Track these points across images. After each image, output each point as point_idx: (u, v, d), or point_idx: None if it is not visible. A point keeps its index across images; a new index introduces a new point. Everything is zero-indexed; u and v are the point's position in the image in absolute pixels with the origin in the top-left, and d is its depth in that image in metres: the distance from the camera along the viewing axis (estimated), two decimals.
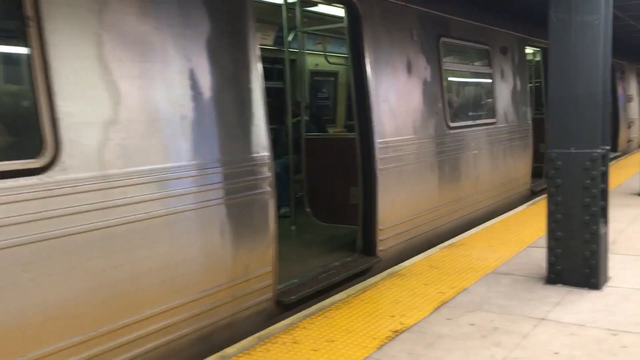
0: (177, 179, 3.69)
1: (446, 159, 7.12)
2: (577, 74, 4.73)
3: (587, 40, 4.68)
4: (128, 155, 3.40)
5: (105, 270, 3.25)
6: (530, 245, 6.35)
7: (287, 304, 4.54)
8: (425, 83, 6.72)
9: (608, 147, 4.91)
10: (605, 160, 4.92)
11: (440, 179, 7.02)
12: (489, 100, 8.59)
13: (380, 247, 5.87)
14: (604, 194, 4.98)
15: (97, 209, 3.21)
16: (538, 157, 10.34)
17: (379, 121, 5.77)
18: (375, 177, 5.70)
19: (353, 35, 5.62)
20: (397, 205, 6.09)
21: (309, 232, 6.86)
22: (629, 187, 10.17)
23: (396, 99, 6.10)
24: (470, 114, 8.40)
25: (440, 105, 6.97)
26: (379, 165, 5.75)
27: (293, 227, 7.04)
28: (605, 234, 4.99)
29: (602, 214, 5.02)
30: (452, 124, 7.23)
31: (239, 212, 4.11)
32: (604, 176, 4.94)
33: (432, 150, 6.79)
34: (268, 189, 4.33)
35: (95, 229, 3.20)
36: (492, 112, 8.56)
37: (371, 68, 5.71)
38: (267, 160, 4.29)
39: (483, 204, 8.27)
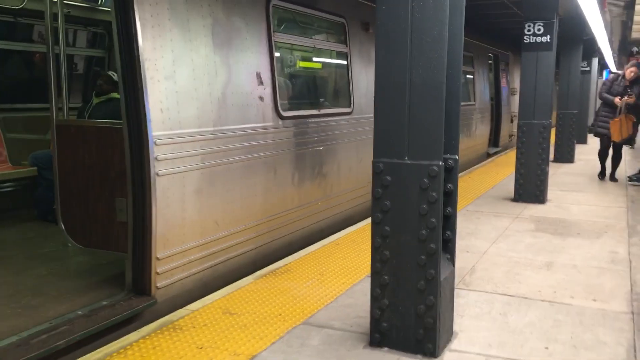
0: None
1: (276, 157, 5.54)
2: (413, 52, 3.26)
3: (428, 4, 3.21)
4: None
5: None
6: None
7: None
8: (243, 58, 5.08)
9: (456, 157, 3.51)
10: (452, 175, 3.52)
11: (267, 183, 5.44)
12: (344, 85, 7.10)
13: (159, 282, 4.20)
14: (449, 222, 3.58)
15: None
16: None
17: (158, 105, 4.06)
18: (150, 185, 4.01)
19: None
20: (190, 222, 4.44)
21: (82, 253, 5.06)
22: (503, 190, 9.14)
23: (190, 77, 4.41)
24: (315, 101, 6.86)
25: (267, 88, 5.36)
26: (158, 168, 4.06)
27: (69, 245, 5.20)
28: (449, 277, 3.60)
29: (447, 249, 3.63)
30: (285, 113, 5.65)
31: None
32: (452, 197, 3.55)
33: (253, 146, 5.18)
34: None
35: None
36: (346, 100, 7.08)
37: (146, 29, 3.98)
38: None
39: (333, 212, 6.81)
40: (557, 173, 11.15)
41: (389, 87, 3.32)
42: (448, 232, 3.61)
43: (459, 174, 11.41)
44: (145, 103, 3.94)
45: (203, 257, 4.65)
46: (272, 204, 5.53)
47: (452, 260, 3.67)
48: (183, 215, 4.35)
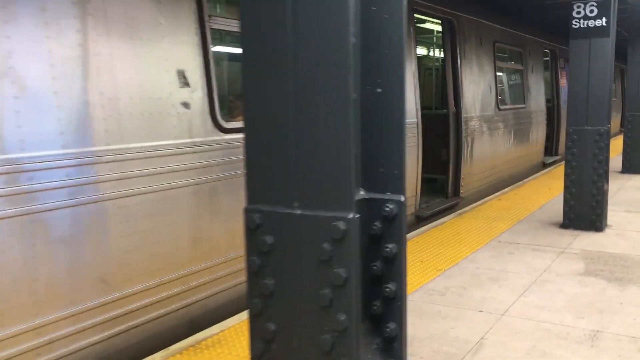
0: None
1: (215, 183, 4.13)
2: (295, 8, 1.78)
3: None
4: None
5: None
6: None
7: None
8: (153, 50, 3.70)
9: (400, 198, 1.98)
10: (394, 228, 2.00)
11: (201, 219, 4.04)
12: None
13: None
14: (392, 307, 2.07)
15: None
16: (430, 166, 7.62)
17: None
18: None
19: None
20: (50, 285, 3.09)
21: None
22: (552, 211, 7.37)
23: (46, 75, 3.07)
24: None
25: (197, 91, 3.96)
26: None
27: None
28: None
29: (391, 352, 2.11)
30: (230, 124, 4.23)
31: None
32: (394, 266, 2.03)
33: (173, 169, 3.80)
34: None
35: None
36: None
37: None
38: None
39: None
40: (624, 187, 9.24)
41: (260, 72, 1.84)
42: (391, 325, 2.10)
43: (504, 190, 9.67)
44: None
45: (81, 332, 3.28)
46: (210, 247, 4.12)
47: None
48: (33, 277, 3.00)
